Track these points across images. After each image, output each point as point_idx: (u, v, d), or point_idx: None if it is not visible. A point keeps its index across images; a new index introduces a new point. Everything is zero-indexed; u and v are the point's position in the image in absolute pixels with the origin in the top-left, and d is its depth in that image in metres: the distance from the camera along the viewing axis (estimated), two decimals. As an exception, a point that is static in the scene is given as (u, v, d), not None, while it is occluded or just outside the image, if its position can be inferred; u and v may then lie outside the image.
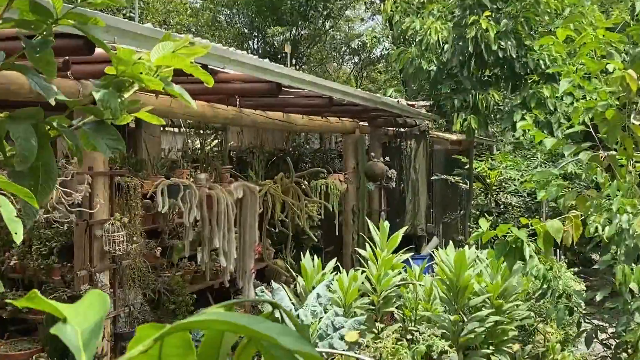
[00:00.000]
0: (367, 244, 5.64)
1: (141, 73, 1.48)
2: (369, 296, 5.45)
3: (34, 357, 4.78)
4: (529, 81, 7.29)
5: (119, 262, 4.34)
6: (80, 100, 1.71)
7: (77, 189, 3.87)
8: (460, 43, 7.51)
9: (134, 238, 4.54)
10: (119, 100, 1.45)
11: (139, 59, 1.42)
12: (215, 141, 8.24)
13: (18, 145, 1.33)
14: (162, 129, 7.73)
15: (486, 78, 8.12)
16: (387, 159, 8.46)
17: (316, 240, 7.56)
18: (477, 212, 10.79)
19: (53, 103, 1.40)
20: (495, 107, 7.89)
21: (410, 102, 8.85)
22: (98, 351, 4.16)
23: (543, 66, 7.27)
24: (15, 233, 1.19)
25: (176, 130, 8.10)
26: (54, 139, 1.50)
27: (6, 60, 1.44)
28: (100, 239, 4.14)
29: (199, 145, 7.56)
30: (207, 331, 0.71)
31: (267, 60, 5.19)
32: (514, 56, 7.27)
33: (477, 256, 5.40)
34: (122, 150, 1.42)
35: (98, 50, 3.27)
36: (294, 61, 16.01)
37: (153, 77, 1.44)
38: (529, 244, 3.58)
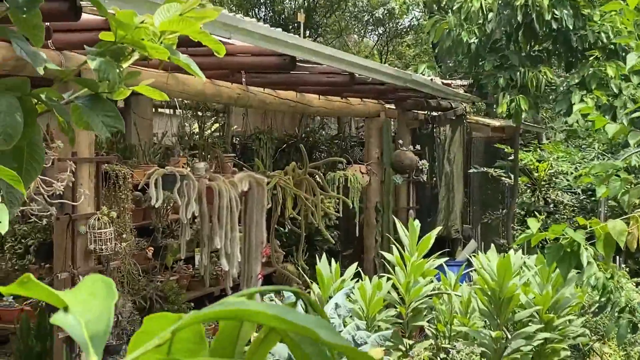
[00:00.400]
0: (394, 246, 5.65)
1: (142, 39, 1.49)
2: (395, 307, 5.46)
3: (6, 373, 4.85)
4: (590, 58, 7.23)
5: (106, 263, 4.38)
6: (66, 71, 1.73)
7: (58, 177, 3.91)
8: (507, 11, 7.47)
9: (124, 236, 4.58)
10: (117, 71, 1.47)
11: (142, 22, 1.43)
12: (216, 125, 8.28)
13: (1, 121, 1.36)
14: (154, 110, 7.79)
15: (536, 53, 8.08)
16: (418, 147, 8.46)
17: (333, 242, 7.57)
18: (522, 212, 10.75)
19: (42, 72, 1.42)
20: (547, 87, 7.84)
21: (445, 81, 8.82)
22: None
23: (605, 40, 7.22)
24: (0, 222, 1.22)
25: (170, 111, 8.15)
26: (40, 115, 1.52)
27: (-13, 23, 1.46)
28: (84, 236, 4.18)
29: (197, 130, 7.60)
30: (222, 323, 0.72)
31: (279, 29, 5.20)
32: (570, 28, 7.23)
33: (525, 262, 5.39)
34: (121, 129, 1.44)
35: (83, 17, 3.30)
36: (307, 32, 16.00)
37: (157, 44, 1.46)
38: (586, 248, 3.57)
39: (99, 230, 4.18)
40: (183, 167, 5.69)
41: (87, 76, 2.40)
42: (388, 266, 5.74)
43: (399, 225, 5.82)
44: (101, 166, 4.45)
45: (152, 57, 1.46)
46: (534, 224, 3.69)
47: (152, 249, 5.86)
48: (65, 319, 0.61)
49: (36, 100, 1.47)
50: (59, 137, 3.94)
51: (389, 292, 5.42)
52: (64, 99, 1.47)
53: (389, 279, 5.45)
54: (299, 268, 7.14)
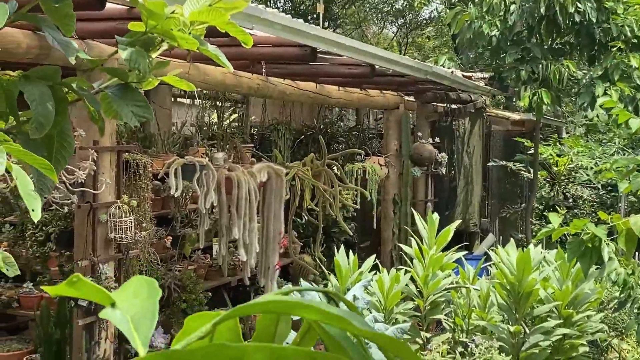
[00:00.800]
0: (412, 239, 5.65)
1: (172, 30, 1.50)
2: (413, 300, 5.46)
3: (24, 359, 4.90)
4: (614, 49, 7.17)
5: (125, 251, 4.41)
6: (96, 60, 1.74)
7: (80, 166, 3.94)
8: (530, 3, 7.42)
9: (143, 225, 4.61)
10: (147, 60, 1.48)
11: (172, 12, 1.44)
12: (235, 115, 8.30)
13: (33, 110, 1.37)
14: (173, 99, 7.82)
15: (558, 46, 8.02)
16: (437, 140, 8.43)
17: (350, 234, 7.58)
18: (541, 206, 10.70)
19: (73, 62, 1.43)
20: (569, 80, 7.78)
21: (466, 74, 8.78)
22: (100, 353, 4.26)
23: (629, 33, 7.15)
24: (33, 210, 1.23)
25: (190, 101, 8.18)
26: (71, 103, 1.54)
27: (19, 11, 1.47)
28: (104, 224, 4.22)
29: (216, 120, 7.63)
30: (260, 322, 0.73)
31: (301, 20, 5.20)
32: (594, 21, 7.17)
33: (544, 257, 5.37)
34: (150, 119, 1.45)
35: (108, 6, 3.32)
36: (326, 24, 15.96)
37: (187, 34, 1.46)
38: (608, 244, 3.56)
39: (119, 219, 4.21)
40: (202, 157, 5.72)
41: (111, 66, 2.42)
42: (406, 258, 5.75)
43: (417, 217, 5.82)
44: (122, 155, 4.48)
45: (182, 47, 1.47)
46: (555, 218, 3.68)
47: (171, 238, 5.89)
48: (113, 314, 0.63)
49: (66, 89, 1.49)
50: (80, 125, 3.97)
51: (406, 285, 5.43)
52: (93, 88, 1.49)
53: (407, 271, 5.45)
54: (316, 259, 7.15)
